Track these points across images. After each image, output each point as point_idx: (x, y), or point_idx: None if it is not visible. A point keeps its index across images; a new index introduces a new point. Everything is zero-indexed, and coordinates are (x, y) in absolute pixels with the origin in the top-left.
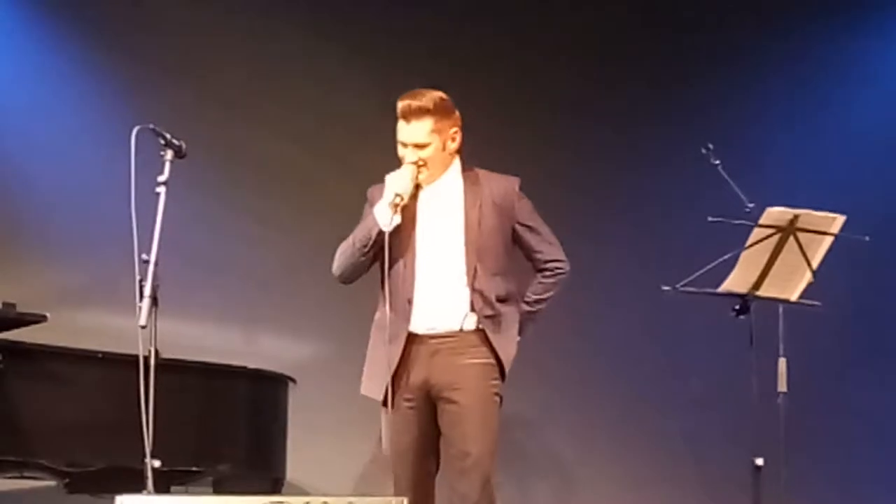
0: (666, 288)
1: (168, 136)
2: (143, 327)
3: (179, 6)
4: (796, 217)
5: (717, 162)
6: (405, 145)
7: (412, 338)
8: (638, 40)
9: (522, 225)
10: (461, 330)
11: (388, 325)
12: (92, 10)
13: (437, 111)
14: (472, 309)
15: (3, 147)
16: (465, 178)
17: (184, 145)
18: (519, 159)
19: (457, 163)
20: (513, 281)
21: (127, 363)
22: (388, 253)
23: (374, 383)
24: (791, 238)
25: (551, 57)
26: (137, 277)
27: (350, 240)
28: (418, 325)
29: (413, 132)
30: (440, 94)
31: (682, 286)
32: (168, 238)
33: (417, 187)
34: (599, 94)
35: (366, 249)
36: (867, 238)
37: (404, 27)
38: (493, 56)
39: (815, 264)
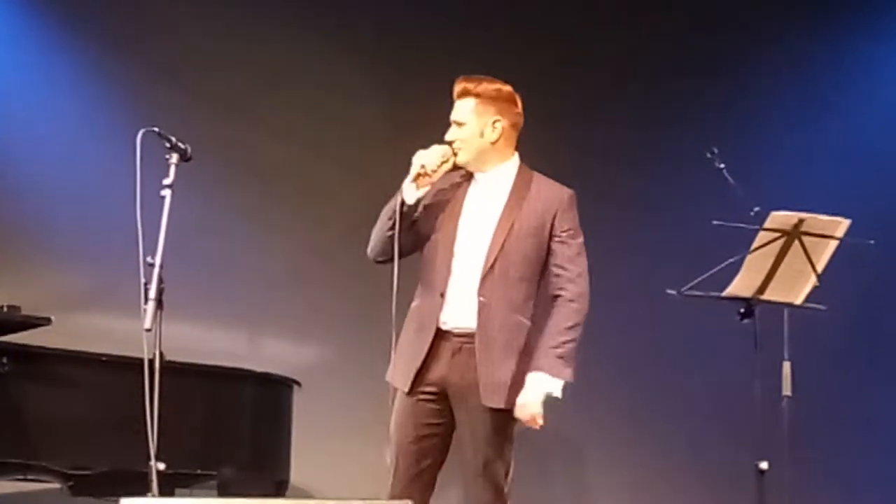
0: (671, 291)
1: (173, 139)
2: (148, 330)
3: (186, 10)
4: (801, 221)
5: (722, 165)
6: (451, 124)
7: (440, 333)
8: (642, 43)
9: (556, 237)
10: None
11: (419, 315)
12: (97, 15)
13: (483, 94)
14: (478, 313)
15: (8, 150)
16: (518, 178)
17: (189, 148)
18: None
19: (513, 161)
20: (540, 297)
21: (131, 366)
22: (428, 241)
23: (398, 373)
24: (796, 242)
25: (555, 60)
26: (142, 280)
27: (380, 215)
28: (447, 320)
29: (456, 109)
30: (499, 84)
31: (686, 290)
32: (173, 241)
33: (470, 174)
34: (602, 97)
35: (390, 222)
36: (872, 241)
37: (410, 29)
38: (497, 59)
39: (820, 268)
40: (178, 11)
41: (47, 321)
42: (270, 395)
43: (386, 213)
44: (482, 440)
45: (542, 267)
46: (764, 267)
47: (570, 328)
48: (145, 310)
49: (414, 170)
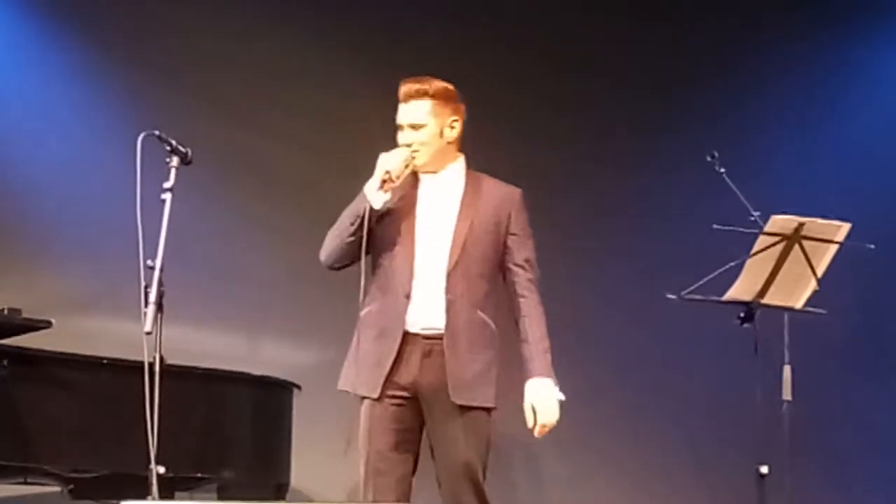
0: (671, 296)
1: (174, 142)
2: (149, 333)
3: (186, 12)
4: (801, 225)
5: (723, 170)
6: (402, 127)
7: (406, 336)
8: (643, 45)
9: (513, 235)
10: None
11: (379, 319)
12: (98, 16)
13: (437, 95)
14: (446, 311)
15: (8, 153)
16: (468, 178)
17: (190, 152)
18: (522, 165)
19: (461, 161)
20: (495, 295)
21: (132, 369)
22: (383, 244)
23: (361, 380)
24: (796, 246)
25: (555, 61)
26: (143, 283)
27: (338, 221)
28: (413, 322)
29: (410, 112)
30: (445, 83)
31: (687, 294)
32: (173, 244)
33: (415, 175)
34: (603, 100)
35: (353, 228)
36: (872, 246)
37: (410, 31)
38: (495, 60)
39: (820, 272)
40: (178, 13)
41: (48, 324)
42: (270, 398)
43: (348, 218)
44: (461, 440)
45: (500, 264)
46: (764, 271)
47: (546, 333)
48: (145, 313)
49: (379, 175)
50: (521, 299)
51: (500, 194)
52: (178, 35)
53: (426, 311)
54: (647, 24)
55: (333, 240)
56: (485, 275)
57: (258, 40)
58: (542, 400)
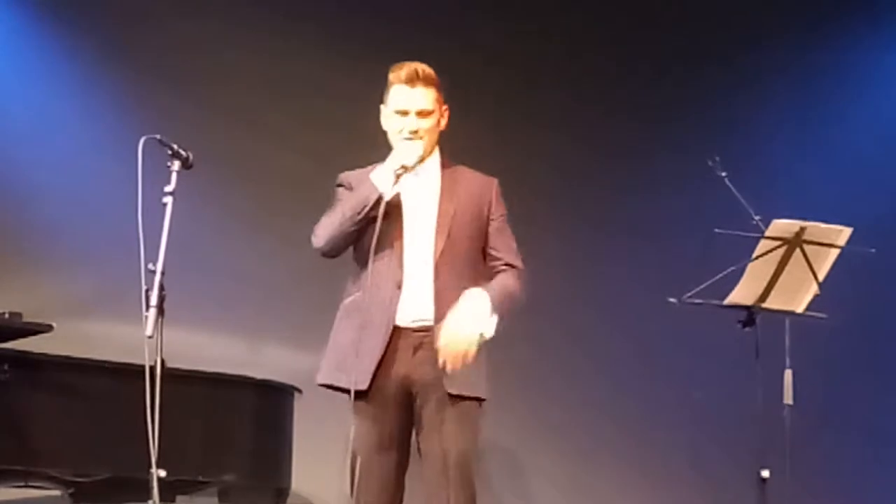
0: (672, 299)
1: (175, 146)
2: (150, 337)
3: (188, 19)
4: (803, 229)
5: (724, 174)
6: (406, 112)
7: (396, 331)
8: (643, 51)
9: (493, 221)
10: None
11: (365, 309)
12: (100, 23)
13: (439, 83)
14: (434, 303)
15: (10, 156)
16: (445, 168)
17: (191, 156)
18: (523, 169)
19: (437, 151)
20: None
21: (133, 373)
22: (371, 233)
23: (344, 372)
24: (797, 250)
25: (555, 64)
26: (144, 287)
27: (338, 210)
28: (403, 316)
29: (420, 98)
30: None
31: (688, 298)
32: (174, 248)
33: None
34: (604, 103)
35: (359, 217)
36: (873, 250)
37: (412, 36)
38: (499, 71)
39: (821, 276)
40: (179, 18)
41: (49, 328)
42: (271, 402)
43: (352, 208)
44: (455, 432)
45: (484, 252)
46: (765, 275)
47: (517, 295)
48: (147, 317)
49: (394, 168)
50: (501, 274)
51: (479, 183)
52: (180, 39)
53: (416, 302)
54: (648, 27)
55: (336, 229)
56: (470, 264)
57: (259, 45)
58: (473, 304)
